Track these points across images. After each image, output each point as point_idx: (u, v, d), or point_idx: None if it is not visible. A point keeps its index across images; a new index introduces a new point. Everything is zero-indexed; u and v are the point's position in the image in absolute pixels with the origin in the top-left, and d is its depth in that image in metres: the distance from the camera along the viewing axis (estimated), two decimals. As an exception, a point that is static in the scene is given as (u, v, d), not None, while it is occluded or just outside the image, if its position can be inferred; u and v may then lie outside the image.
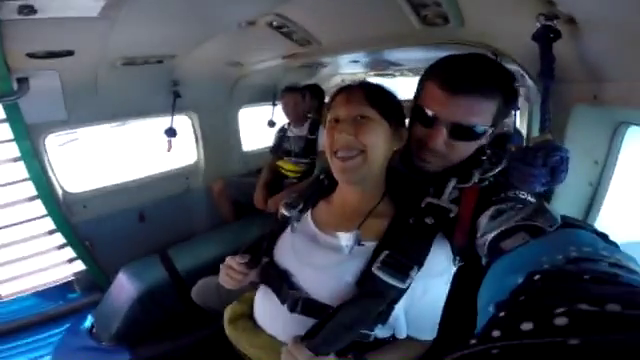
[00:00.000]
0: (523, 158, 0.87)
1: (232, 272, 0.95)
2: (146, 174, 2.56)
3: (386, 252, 0.80)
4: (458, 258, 0.86)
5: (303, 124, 2.61)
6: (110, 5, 1.19)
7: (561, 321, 0.30)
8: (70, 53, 1.54)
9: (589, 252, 0.44)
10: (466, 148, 0.88)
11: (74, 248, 2.10)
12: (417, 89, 0.93)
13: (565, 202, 1.18)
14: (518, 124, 1.68)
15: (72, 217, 2.08)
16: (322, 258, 0.88)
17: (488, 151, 0.93)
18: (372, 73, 3.11)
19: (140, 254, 2.09)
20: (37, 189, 1.87)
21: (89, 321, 2.00)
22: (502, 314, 0.36)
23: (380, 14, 1.32)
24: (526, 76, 1.25)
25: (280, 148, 2.72)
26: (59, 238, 2.05)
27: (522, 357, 0.29)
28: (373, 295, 0.78)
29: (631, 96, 0.87)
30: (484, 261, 0.67)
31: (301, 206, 1.01)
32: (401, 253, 0.79)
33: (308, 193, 1.05)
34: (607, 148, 1.11)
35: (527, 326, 0.31)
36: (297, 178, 2.61)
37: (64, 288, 2.21)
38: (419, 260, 0.78)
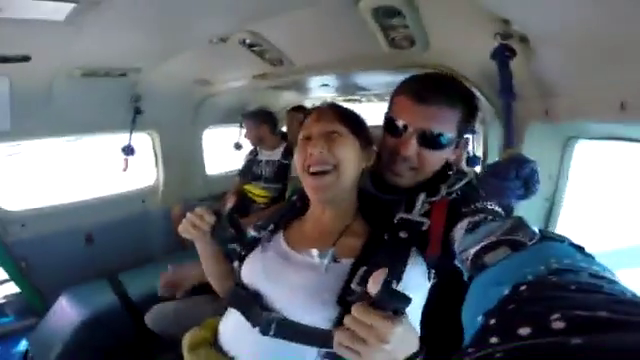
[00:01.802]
0: (495, 173, 0.92)
1: (199, 221, 0.98)
2: (96, 195, 2.39)
3: (364, 268, 0.79)
4: (433, 272, 0.86)
5: (275, 149, 2.58)
6: (78, 10, 1.14)
7: (558, 325, 0.31)
8: (26, 59, 1.45)
9: (569, 264, 0.46)
10: (435, 159, 0.92)
11: (5, 268, 1.89)
12: (389, 106, 0.98)
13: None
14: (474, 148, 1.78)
15: (7, 236, 1.88)
16: (297, 277, 0.85)
17: (454, 167, 0.98)
18: (340, 98, 3.20)
19: (87, 278, 1.91)
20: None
21: (23, 346, 1.80)
22: (493, 322, 0.37)
23: (352, 35, 1.37)
24: (482, 98, 1.35)
25: (249, 171, 2.65)
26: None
27: (526, 358, 0.29)
28: None
29: (578, 110, 0.96)
30: (466, 276, 0.67)
31: (272, 227, 0.99)
32: (379, 268, 0.79)
33: (279, 215, 1.03)
34: (559, 162, 1.21)
35: (525, 330, 0.32)
36: (266, 204, 2.55)
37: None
38: (397, 274, 0.78)
